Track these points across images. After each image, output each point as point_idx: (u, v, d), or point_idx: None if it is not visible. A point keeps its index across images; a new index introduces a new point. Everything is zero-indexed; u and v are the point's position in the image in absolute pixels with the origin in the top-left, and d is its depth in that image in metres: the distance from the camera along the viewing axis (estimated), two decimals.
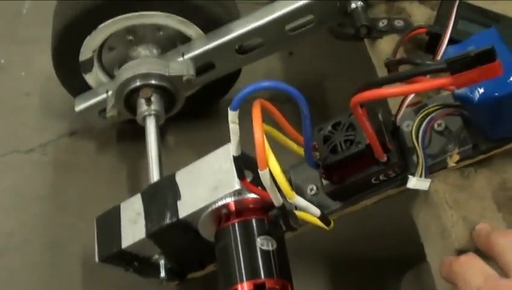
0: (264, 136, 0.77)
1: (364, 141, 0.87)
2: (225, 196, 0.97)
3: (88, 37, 1.35)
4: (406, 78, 0.75)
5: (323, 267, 1.36)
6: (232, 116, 0.79)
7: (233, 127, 0.80)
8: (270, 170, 0.77)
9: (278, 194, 0.82)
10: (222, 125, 1.52)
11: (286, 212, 0.88)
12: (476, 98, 0.81)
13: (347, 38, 1.31)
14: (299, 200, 0.82)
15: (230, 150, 0.94)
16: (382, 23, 1.17)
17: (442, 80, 0.69)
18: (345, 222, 1.28)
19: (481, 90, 0.81)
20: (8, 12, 1.88)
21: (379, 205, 1.03)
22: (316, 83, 1.63)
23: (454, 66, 0.68)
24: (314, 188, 1.00)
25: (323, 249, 1.38)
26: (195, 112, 1.54)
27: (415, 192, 0.94)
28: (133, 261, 1.11)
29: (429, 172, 0.90)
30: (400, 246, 1.34)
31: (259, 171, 0.77)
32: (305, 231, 1.07)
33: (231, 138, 0.81)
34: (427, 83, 0.72)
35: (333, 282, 1.34)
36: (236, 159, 0.84)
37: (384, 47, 1.15)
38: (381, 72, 1.14)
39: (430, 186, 0.90)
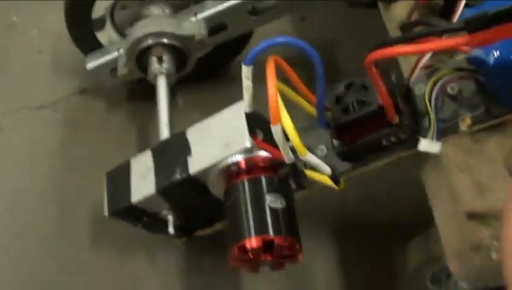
0: (278, 92, 0.77)
1: (377, 102, 0.87)
2: (235, 153, 0.97)
3: None
4: (422, 37, 0.75)
5: (330, 230, 1.37)
6: (246, 71, 0.78)
7: (247, 83, 0.80)
8: (282, 126, 0.77)
9: (290, 150, 0.82)
10: (233, 87, 1.53)
11: (297, 169, 0.88)
12: (492, 61, 0.81)
13: (360, 5, 1.31)
14: (311, 157, 0.82)
15: (241, 107, 0.95)
16: None
17: (459, 39, 0.69)
18: (353, 186, 1.29)
19: (497, 53, 0.81)
20: None
21: (386, 171, 1.04)
22: (327, 49, 1.63)
23: (472, 26, 0.68)
24: (324, 149, 1.00)
25: (331, 213, 1.38)
26: (206, 73, 1.53)
27: (425, 155, 0.94)
28: (142, 216, 1.11)
29: (441, 135, 0.90)
30: (407, 212, 1.34)
31: (271, 126, 0.77)
32: (312, 195, 1.07)
33: (244, 94, 0.82)
34: (442, 42, 0.72)
35: (339, 245, 1.34)
36: (249, 116, 0.84)
37: (399, 11, 1.15)
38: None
39: (441, 149, 0.90)
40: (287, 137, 0.80)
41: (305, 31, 1.69)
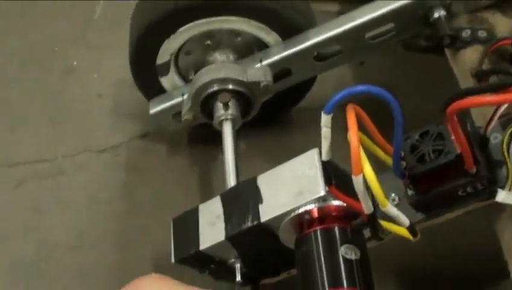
0: (359, 142, 0.76)
1: (455, 151, 0.86)
2: (309, 202, 0.96)
3: (167, 40, 1.36)
4: (505, 87, 0.74)
5: (393, 282, 1.34)
6: (325, 120, 0.78)
7: (325, 131, 0.79)
8: (364, 176, 0.76)
9: (370, 201, 0.81)
10: (293, 134, 1.53)
11: (376, 221, 0.86)
12: None
13: (418, 50, 1.31)
14: (392, 209, 0.81)
15: (315, 155, 0.95)
16: (465, 33, 1.16)
17: None
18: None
19: None
20: (79, 16, 1.91)
21: (451, 221, 1.02)
22: None
23: None
24: (396, 198, 0.99)
25: (393, 264, 1.36)
26: (268, 119, 1.53)
27: (502, 206, 0.92)
28: (209, 263, 1.10)
29: None
30: (473, 264, 1.31)
31: (352, 176, 0.76)
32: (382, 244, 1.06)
33: (322, 142, 0.81)
34: None
35: None
36: (325, 164, 0.83)
37: (468, 57, 1.15)
38: (465, 83, 1.12)
39: None
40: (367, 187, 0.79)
41: (364, 74, 1.68)
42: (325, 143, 0.81)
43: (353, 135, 0.75)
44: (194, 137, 1.59)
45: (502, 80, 0.75)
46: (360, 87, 0.77)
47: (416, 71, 1.62)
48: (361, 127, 0.84)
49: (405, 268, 1.36)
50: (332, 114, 0.78)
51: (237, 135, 1.48)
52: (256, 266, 1.12)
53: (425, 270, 1.35)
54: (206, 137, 1.48)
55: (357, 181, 0.76)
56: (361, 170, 0.76)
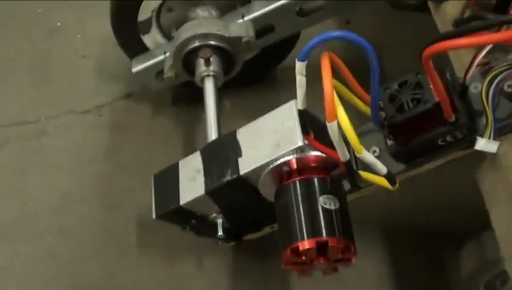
0: (333, 88, 0.75)
1: (433, 99, 0.85)
2: (287, 153, 0.95)
3: None
4: (480, 30, 0.73)
5: (378, 236, 1.35)
6: (300, 67, 0.77)
7: (300, 79, 0.78)
8: (338, 123, 0.75)
9: (345, 148, 0.80)
10: (278, 92, 1.52)
11: (352, 168, 0.86)
12: None
13: (405, 8, 1.29)
14: (367, 156, 0.80)
15: (293, 107, 0.94)
16: None
17: None
18: (402, 192, 1.26)
19: None
20: None
21: (434, 175, 1.01)
22: None
23: None
24: (377, 150, 0.98)
25: (378, 219, 1.37)
26: (252, 78, 1.52)
27: (481, 155, 0.91)
28: (190, 219, 1.10)
29: (498, 134, 0.88)
30: (457, 217, 1.32)
31: (327, 123, 0.75)
32: (360, 200, 1.05)
33: (297, 90, 0.80)
34: (504, 34, 0.69)
35: (388, 251, 1.32)
36: (302, 113, 0.82)
37: (450, 10, 1.12)
38: None
39: (498, 148, 0.87)
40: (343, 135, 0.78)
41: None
42: (300, 91, 0.80)
43: (327, 81, 0.74)
44: (178, 97, 1.58)
45: (476, 23, 0.73)
46: (335, 33, 0.75)
47: (404, 30, 1.61)
48: (341, 79, 0.84)
49: (390, 224, 1.36)
50: (306, 61, 0.76)
51: (222, 94, 1.48)
52: (238, 221, 1.12)
53: (410, 226, 1.35)
54: (190, 97, 1.46)
55: (332, 128, 0.76)
56: (335, 117, 0.75)
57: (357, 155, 0.79)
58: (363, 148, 0.79)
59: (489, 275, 1.14)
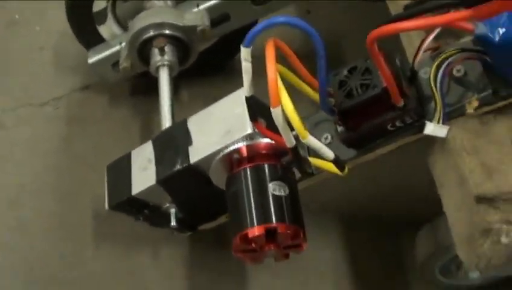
0: (277, 73, 0.74)
1: (381, 85, 0.85)
2: (237, 140, 0.95)
3: None
4: (423, 13, 0.73)
5: (337, 223, 1.35)
6: (245, 53, 0.76)
7: (246, 65, 0.77)
8: (282, 109, 0.75)
9: (291, 134, 0.79)
10: (236, 82, 1.50)
11: (299, 154, 0.85)
12: (497, 39, 0.78)
13: None
14: (312, 140, 0.80)
15: (241, 94, 0.93)
16: None
17: (462, 13, 0.67)
18: (359, 178, 1.27)
19: (502, 31, 0.78)
20: None
21: (392, 160, 1.01)
22: (333, 42, 1.60)
23: None
24: (329, 137, 0.98)
25: (336, 206, 1.37)
26: (210, 68, 1.52)
27: (432, 140, 0.92)
28: (144, 209, 1.09)
29: (447, 118, 0.88)
30: (414, 203, 1.32)
31: (271, 108, 0.75)
32: (318, 188, 1.05)
33: (243, 77, 0.79)
34: (445, 16, 0.69)
35: (346, 238, 1.33)
36: (249, 100, 0.82)
37: None
38: None
39: (447, 133, 0.88)
40: (288, 123, 0.78)
41: (310, 24, 1.66)
42: (246, 78, 0.79)
43: (270, 66, 0.74)
44: (136, 87, 1.57)
45: (420, 7, 0.73)
46: (280, 19, 0.75)
47: (365, 19, 1.59)
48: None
49: (348, 210, 1.36)
50: (251, 47, 0.76)
51: (180, 83, 1.48)
52: (192, 211, 1.11)
53: (367, 211, 1.35)
54: (148, 88, 1.45)
55: (276, 113, 0.75)
56: (279, 102, 0.74)
57: (302, 140, 0.79)
58: (308, 133, 0.78)
59: (444, 259, 1.15)
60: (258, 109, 0.85)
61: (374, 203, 1.35)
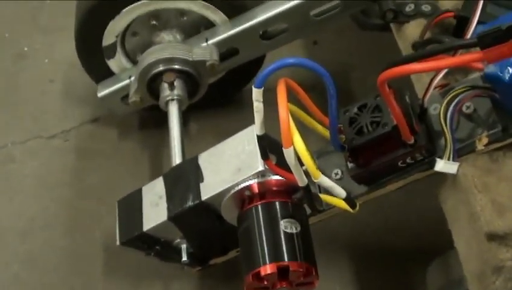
0: (289, 113, 0.75)
1: (391, 122, 0.86)
2: (248, 178, 0.95)
3: (111, 22, 1.34)
4: (435, 54, 0.73)
5: (346, 257, 1.34)
6: (256, 94, 0.77)
7: (257, 106, 0.78)
8: (294, 148, 0.76)
9: (303, 173, 0.80)
10: (246, 113, 1.51)
11: (311, 193, 0.86)
12: (507, 78, 0.79)
13: (372, 28, 1.30)
14: (325, 180, 0.81)
15: (253, 131, 0.93)
16: (409, 8, 1.16)
17: (473, 55, 0.68)
18: (368, 212, 1.27)
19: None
20: (31, 1, 1.88)
21: (401, 195, 1.01)
22: (340, 73, 1.62)
23: (486, 40, 0.66)
24: (339, 172, 0.98)
25: (346, 239, 1.36)
26: (219, 100, 1.53)
27: (443, 176, 0.92)
28: (155, 244, 1.09)
29: (457, 155, 0.89)
30: (424, 236, 1.32)
31: (283, 149, 0.76)
32: (328, 220, 1.05)
33: (255, 116, 0.80)
34: (456, 58, 0.70)
35: (356, 272, 1.32)
36: (260, 139, 0.82)
37: (412, 31, 1.14)
38: None
39: (458, 169, 0.88)
40: (300, 160, 0.78)
41: (317, 54, 1.67)
42: (258, 117, 0.80)
43: (282, 107, 0.75)
44: (145, 120, 1.57)
45: (430, 48, 0.74)
46: (290, 60, 0.76)
47: (373, 50, 1.61)
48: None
49: (357, 242, 1.36)
50: (263, 88, 0.77)
51: (188, 117, 1.49)
52: (203, 246, 1.12)
53: (377, 244, 1.35)
54: (157, 120, 1.46)
55: (288, 153, 0.76)
56: (291, 142, 0.75)
57: (314, 180, 0.80)
58: (320, 173, 0.79)
59: None
60: (269, 145, 0.85)
61: (384, 237, 1.35)
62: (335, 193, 0.84)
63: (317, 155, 1.01)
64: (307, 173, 0.82)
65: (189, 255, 1.10)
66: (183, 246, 1.10)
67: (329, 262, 1.30)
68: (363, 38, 1.57)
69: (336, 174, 0.98)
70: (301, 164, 0.79)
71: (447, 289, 1.15)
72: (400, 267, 1.31)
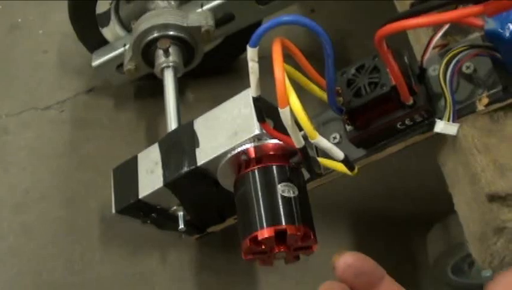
0: (285, 73, 0.73)
1: (390, 83, 0.84)
2: (245, 142, 0.93)
3: None
4: (433, 9, 0.71)
5: (346, 223, 1.34)
6: (252, 53, 0.75)
7: (253, 66, 0.76)
8: (291, 109, 0.74)
9: (300, 134, 0.78)
10: (243, 82, 1.50)
11: (308, 155, 0.84)
12: (507, 34, 0.77)
13: None
14: (322, 141, 0.78)
15: (249, 94, 0.92)
16: None
17: (473, 8, 0.66)
18: (369, 178, 1.26)
19: None
20: None
21: (402, 161, 1.00)
22: (337, 41, 1.60)
23: None
24: (338, 136, 0.97)
25: (346, 206, 1.36)
26: (216, 68, 1.51)
27: (442, 138, 0.90)
28: (151, 212, 1.08)
29: (457, 116, 0.87)
30: (425, 202, 1.31)
31: (279, 109, 0.74)
32: (328, 188, 1.04)
33: (250, 77, 0.78)
34: (455, 12, 0.68)
35: (356, 238, 1.32)
36: (256, 101, 0.80)
37: None
38: None
39: (458, 130, 0.87)
40: (297, 123, 0.76)
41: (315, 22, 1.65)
42: (253, 78, 0.78)
43: (277, 66, 0.73)
44: (141, 90, 1.56)
45: (428, 3, 0.72)
46: (286, 18, 0.74)
47: (372, 17, 1.58)
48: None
49: (357, 209, 1.35)
50: (258, 47, 0.75)
51: (185, 85, 1.47)
52: (200, 213, 1.10)
53: (377, 210, 1.34)
54: (153, 90, 1.45)
55: (284, 114, 0.74)
56: (287, 102, 0.73)
57: (311, 141, 0.78)
58: (317, 134, 0.77)
59: (456, 258, 1.14)
60: (266, 109, 0.83)
61: (384, 202, 1.34)
62: (333, 154, 0.82)
63: (315, 119, 1.00)
64: (304, 136, 0.80)
65: (186, 222, 1.09)
66: (180, 214, 1.08)
67: (329, 229, 1.30)
68: (362, 4, 1.55)
69: (334, 138, 0.97)
70: (299, 127, 0.78)
71: (448, 254, 1.15)
72: (400, 233, 1.31)
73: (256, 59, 0.75)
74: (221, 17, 1.34)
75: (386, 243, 1.30)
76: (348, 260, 0.50)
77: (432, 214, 1.16)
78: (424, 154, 0.98)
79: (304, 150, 0.81)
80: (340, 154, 0.82)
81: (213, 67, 1.50)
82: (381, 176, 1.33)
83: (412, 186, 1.34)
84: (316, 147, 0.95)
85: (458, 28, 0.93)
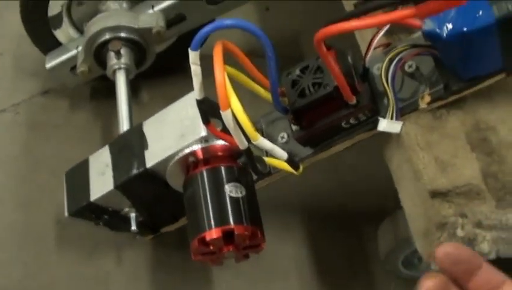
0: (226, 75, 0.74)
1: (332, 83, 0.85)
2: (191, 143, 0.94)
3: None
4: (370, 11, 0.73)
5: (298, 219, 1.35)
6: (193, 56, 0.76)
7: (195, 69, 0.77)
8: (232, 111, 0.75)
9: (242, 136, 0.79)
10: None
11: (252, 156, 0.85)
12: (445, 34, 0.79)
13: None
14: (264, 142, 0.80)
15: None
16: None
17: (405, 11, 0.67)
18: (322, 174, 1.27)
19: (449, 26, 0.79)
20: None
21: (354, 157, 1.01)
22: (292, 39, 1.61)
23: None
24: (286, 135, 0.98)
25: (298, 202, 1.37)
26: (170, 67, 1.51)
27: (388, 136, 0.92)
28: (103, 214, 1.09)
29: (400, 114, 0.89)
30: (378, 197, 1.32)
31: (221, 112, 0.75)
32: (279, 184, 1.05)
33: (193, 80, 0.79)
34: (390, 15, 0.69)
35: (309, 233, 1.33)
36: (200, 103, 0.81)
37: None
38: None
39: (401, 128, 0.88)
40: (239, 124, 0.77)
41: (270, 21, 1.66)
42: (196, 81, 0.79)
43: (218, 69, 0.74)
44: (96, 92, 1.56)
45: (366, 6, 0.73)
46: (227, 22, 0.76)
47: (325, 15, 1.59)
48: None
49: (309, 204, 1.37)
50: (199, 50, 0.76)
51: (139, 85, 1.47)
52: (152, 214, 1.11)
53: (329, 205, 1.36)
54: (109, 91, 1.43)
55: (226, 116, 0.75)
56: (228, 105, 0.74)
57: (253, 142, 0.79)
58: (258, 135, 0.78)
59: (406, 252, 1.16)
60: (212, 110, 0.84)
61: (337, 199, 1.36)
62: (275, 155, 0.84)
63: (263, 118, 1.01)
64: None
65: (138, 224, 1.10)
66: (132, 215, 1.09)
67: (282, 224, 1.31)
68: (315, 3, 1.56)
69: (282, 137, 0.98)
70: (241, 128, 0.79)
71: (397, 249, 1.16)
72: (351, 227, 1.32)
73: (198, 62, 0.77)
74: (173, 18, 1.33)
75: (337, 238, 1.32)
76: (446, 249, 0.51)
77: (382, 209, 1.18)
78: (376, 150, 0.99)
79: (247, 151, 0.83)
80: (284, 155, 0.84)
81: (167, 67, 1.49)
82: (333, 171, 1.34)
83: (364, 182, 1.36)
84: None
85: (402, 28, 0.95)
